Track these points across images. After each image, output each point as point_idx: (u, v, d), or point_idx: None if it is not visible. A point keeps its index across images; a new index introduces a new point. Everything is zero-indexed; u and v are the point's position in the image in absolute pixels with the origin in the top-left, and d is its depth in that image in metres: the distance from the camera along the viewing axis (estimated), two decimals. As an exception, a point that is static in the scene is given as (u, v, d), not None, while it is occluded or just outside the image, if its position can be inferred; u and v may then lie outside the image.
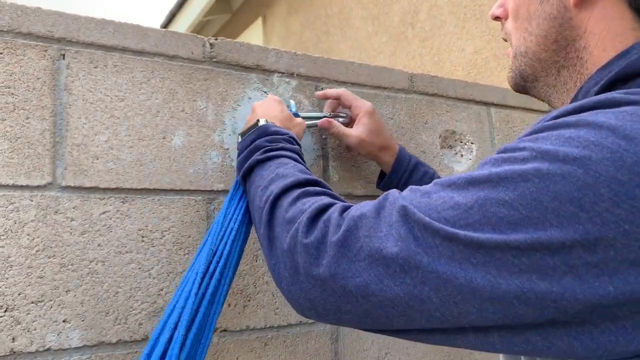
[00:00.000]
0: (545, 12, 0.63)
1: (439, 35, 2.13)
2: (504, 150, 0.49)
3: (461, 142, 1.23)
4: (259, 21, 3.71)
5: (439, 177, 0.95)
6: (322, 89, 1.03)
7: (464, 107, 1.23)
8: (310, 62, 1.03)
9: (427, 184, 0.92)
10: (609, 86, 0.54)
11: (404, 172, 0.98)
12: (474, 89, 1.25)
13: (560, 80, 0.64)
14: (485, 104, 1.27)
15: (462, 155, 1.22)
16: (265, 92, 0.97)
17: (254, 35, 3.79)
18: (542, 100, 0.69)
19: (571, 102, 0.60)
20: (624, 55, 0.56)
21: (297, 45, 3.19)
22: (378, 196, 1.05)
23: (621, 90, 0.51)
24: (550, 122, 0.48)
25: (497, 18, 0.71)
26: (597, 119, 0.45)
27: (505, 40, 0.70)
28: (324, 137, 1.02)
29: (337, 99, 0.99)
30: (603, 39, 0.59)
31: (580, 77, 0.61)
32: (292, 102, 0.96)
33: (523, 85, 0.68)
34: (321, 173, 1.00)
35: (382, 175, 1.02)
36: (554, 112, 0.50)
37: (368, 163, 1.05)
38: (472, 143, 1.23)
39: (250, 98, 0.96)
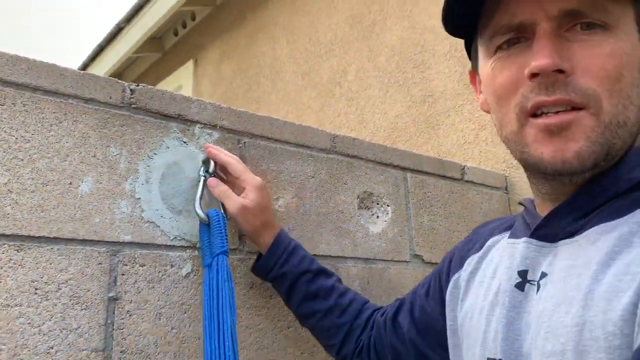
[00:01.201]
0: (638, 89, 0.56)
1: (364, 96, 2.21)
2: None
3: (378, 203, 1.25)
4: (190, 63, 3.70)
5: (316, 263, 0.93)
6: (244, 143, 1.03)
7: (382, 170, 1.27)
8: (234, 115, 1.03)
9: (306, 268, 0.92)
10: None
11: (282, 253, 0.92)
12: (392, 154, 1.29)
13: (617, 159, 0.58)
14: (402, 168, 1.31)
15: (378, 217, 1.25)
16: (185, 143, 0.96)
17: (184, 76, 3.76)
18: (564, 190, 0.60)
19: (597, 183, 0.58)
20: None
21: (227, 91, 3.20)
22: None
23: None
24: None
25: (558, 71, 0.55)
26: None
27: (562, 104, 0.55)
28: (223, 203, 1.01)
29: (224, 166, 0.93)
30: None
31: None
32: (212, 162, 0.95)
33: (598, 163, 0.56)
34: (238, 229, 0.98)
35: (258, 257, 0.95)
36: None
37: (287, 220, 1.05)
38: (388, 205, 1.26)
39: (168, 147, 0.94)
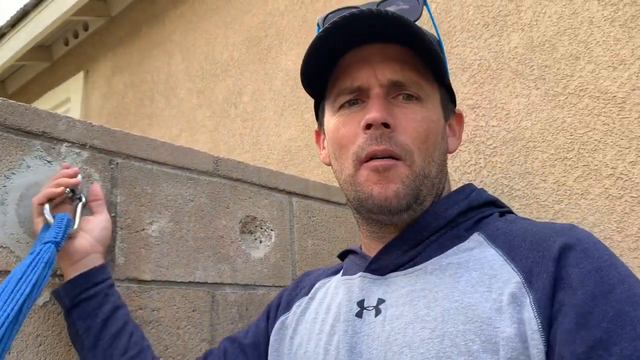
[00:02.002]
0: (442, 147, 0.74)
1: (259, 118, 2.21)
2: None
3: (261, 228, 1.24)
4: (81, 75, 3.51)
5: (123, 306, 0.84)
6: (117, 164, 0.98)
7: (267, 194, 1.26)
8: (107, 134, 0.98)
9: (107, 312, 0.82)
10: (466, 210, 0.72)
11: (107, 279, 0.85)
12: (279, 178, 1.29)
13: (425, 205, 0.72)
14: (288, 193, 1.32)
15: (260, 242, 1.24)
16: (50, 162, 0.89)
17: (73, 88, 3.56)
18: (398, 222, 0.72)
19: (418, 223, 0.71)
20: (463, 192, 0.75)
21: (119, 106, 3.06)
22: (167, 281, 1.01)
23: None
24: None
25: (385, 125, 0.68)
26: None
27: (384, 154, 0.68)
28: (112, 214, 0.95)
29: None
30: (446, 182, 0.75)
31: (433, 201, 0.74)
32: (79, 175, 0.90)
33: (410, 205, 0.69)
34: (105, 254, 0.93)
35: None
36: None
37: (159, 245, 1.01)
38: (272, 230, 1.25)
39: (29, 166, 0.87)
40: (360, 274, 0.74)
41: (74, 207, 0.88)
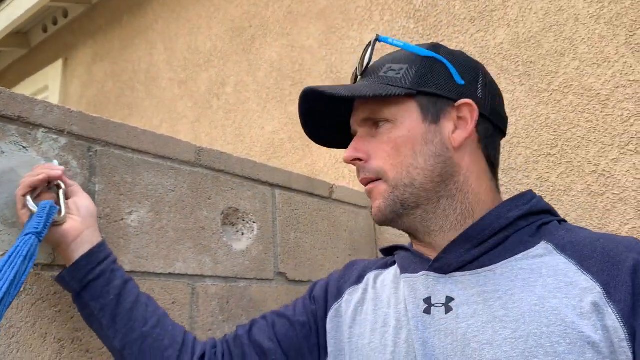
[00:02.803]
0: (430, 151, 0.77)
1: (242, 110, 2.18)
2: None
3: (243, 220, 1.23)
4: (60, 62, 3.43)
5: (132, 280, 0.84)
6: (96, 151, 0.95)
7: (250, 186, 1.24)
8: (86, 120, 0.95)
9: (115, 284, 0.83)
10: (527, 215, 0.75)
11: (108, 257, 0.84)
12: (261, 170, 1.28)
13: (440, 208, 0.77)
14: (271, 185, 1.30)
15: (242, 234, 1.22)
16: (25, 148, 0.86)
17: (51, 76, 3.48)
18: (411, 228, 0.79)
19: (481, 221, 0.76)
20: (524, 197, 0.79)
21: (99, 95, 3.01)
22: (146, 272, 0.99)
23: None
24: None
25: (354, 160, 0.80)
26: None
27: (365, 180, 0.79)
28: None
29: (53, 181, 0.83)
30: (477, 178, 0.79)
31: (462, 205, 0.78)
32: (55, 161, 0.87)
33: (400, 213, 0.78)
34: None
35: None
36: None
37: (139, 236, 0.99)
38: (254, 222, 1.23)
39: (4, 152, 0.84)
40: (423, 272, 0.78)
41: (57, 195, 0.85)
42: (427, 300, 0.75)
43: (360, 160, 0.79)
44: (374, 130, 0.80)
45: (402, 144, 0.77)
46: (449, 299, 0.74)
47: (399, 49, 0.83)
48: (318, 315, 0.91)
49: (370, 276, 0.90)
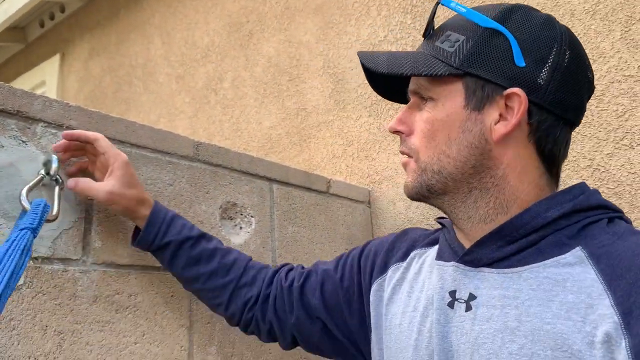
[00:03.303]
0: (467, 141, 0.71)
1: (239, 105, 2.19)
2: None
3: (241, 214, 1.23)
4: (57, 58, 3.43)
5: (196, 228, 0.97)
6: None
7: (248, 180, 1.25)
8: (84, 115, 0.96)
9: (187, 235, 0.95)
10: (570, 213, 0.68)
11: (160, 224, 0.93)
12: (259, 164, 1.28)
13: (470, 199, 0.73)
14: (269, 179, 1.31)
15: (241, 228, 1.23)
16: (25, 142, 0.87)
17: (48, 72, 3.47)
18: (441, 208, 0.77)
19: (516, 219, 0.70)
20: (570, 192, 0.71)
21: (96, 90, 3.01)
22: (144, 266, 0.99)
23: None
24: None
25: (396, 132, 0.78)
26: None
27: (403, 153, 0.78)
28: (89, 198, 0.93)
29: (89, 143, 0.91)
30: (520, 173, 0.71)
31: (497, 200, 0.72)
32: (54, 156, 0.87)
33: (425, 195, 0.76)
34: (81, 238, 0.91)
35: (136, 231, 0.96)
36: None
37: (138, 230, 0.99)
38: (252, 216, 1.24)
39: (3, 146, 0.84)
40: (453, 263, 0.75)
41: (52, 191, 0.86)
42: (452, 294, 0.73)
43: (402, 133, 0.78)
44: (422, 103, 0.76)
45: (439, 128, 0.73)
46: (472, 297, 0.71)
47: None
48: (363, 285, 0.91)
49: (415, 255, 0.87)
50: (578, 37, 1.28)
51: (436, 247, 0.83)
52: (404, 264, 0.87)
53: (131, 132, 1.02)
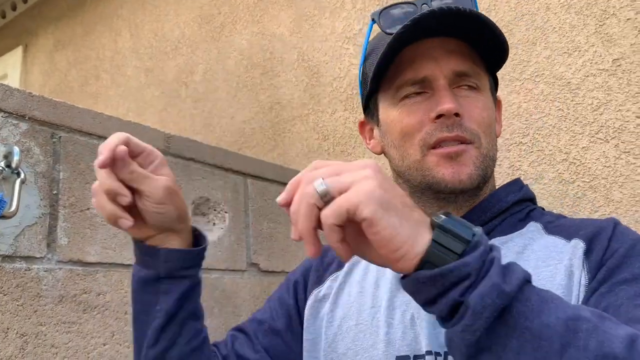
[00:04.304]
0: (496, 133, 0.78)
1: (211, 99, 2.14)
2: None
3: (215, 210, 1.20)
4: (19, 50, 3.31)
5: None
6: (59, 137, 0.91)
7: (222, 175, 1.21)
8: (49, 105, 0.91)
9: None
10: (520, 201, 0.77)
11: (204, 250, 0.78)
12: (233, 159, 1.25)
13: (486, 188, 0.77)
14: (243, 174, 1.27)
15: (214, 224, 1.19)
16: (-17, 133, 0.82)
17: (11, 64, 3.35)
18: (463, 205, 0.76)
19: (485, 201, 0.76)
20: (516, 184, 0.80)
21: (61, 84, 2.91)
22: (114, 264, 0.95)
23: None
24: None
25: (456, 114, 0.72)
26: None
27: (457, 139, 0.72)
28: (54, 192, 0.89)
29: (126, 145, 0.66)
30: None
31: (490, 187, 0.78)
32: (16, 148, 0.82)
33: (479, 186, 0.74)
34: (45, 234, 0.86)
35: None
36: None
37: (106, 226, 0.95)
38: (225, 212, 1.21)
39: (-41, 137, 0.79)
40: None
41: (12, 185, 0.81)
42: None
43: (459, 115, 0.72)
44: (461, 90, 0.74)
45: (491, 116, 0.76)
46: None
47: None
48: (299, 306, 0.85)
49: (354, 260, 0.84)
50: (553, 31, 1.29)
51: None
52: (342, 272, 0.84)
53: (99, 124, 0.97)
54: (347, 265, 0.85)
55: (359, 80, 0.88)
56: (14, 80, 3.28)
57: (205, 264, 1.11)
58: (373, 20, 0.80)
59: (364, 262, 0.84)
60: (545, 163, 1.25)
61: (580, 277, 0.66)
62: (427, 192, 0.76)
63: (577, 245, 0.69)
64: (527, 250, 0.72)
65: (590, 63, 1.22)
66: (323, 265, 0.88)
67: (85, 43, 2.82)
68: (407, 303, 0.74)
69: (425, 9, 0.72)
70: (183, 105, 2.25)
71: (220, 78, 2.12)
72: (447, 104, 0.71)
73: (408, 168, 0.76)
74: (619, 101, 1.17)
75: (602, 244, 0.67)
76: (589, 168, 1.19)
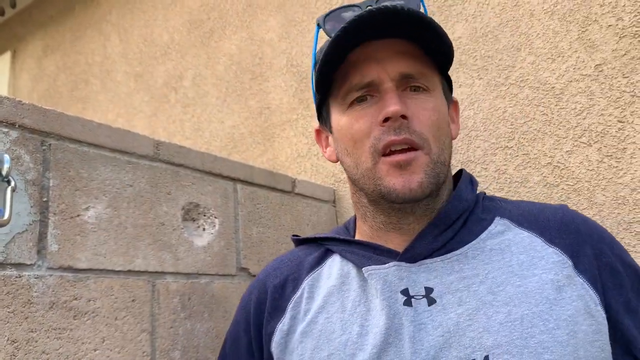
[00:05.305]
0: (449, 134, 0.76)
1: (201, 104, 2.15)
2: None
3: (204, 215, 1.20)
4: (7, 55, 3.29)
5: None
6: (49, 145, 0.91)
7: (211, 180, 1.22)
8: (39, 113, 0.91)
9: None
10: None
11: None
12: (223, 164, 1.26)
13: (443, 191, 0.76)
14: (233, 179, 1.28)
15: (204, 229, 1.20)
16: (-27, 142, 0.82)
17: (-2, 69, 3.34)
18: (410, 211, 0.74)
19: (450, 205, 0.75)
20: (465, 177, 0.80)
21: (50, 89, 2.90)
22: (104, 270, 0.96)
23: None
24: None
25: (403, 116, 0.70)
26: None
27: (405, 142, 0.69)
28: (44, 199, 0.89)
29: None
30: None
31: (447, 190, 0.77)
32: (6, 156, 0.83)
33: (431, 193, 0.72)
34: (36, 241, 0.87)
35: None
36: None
37: (96, 232, 0.95)
38: (215, 217, 1.22)
39: (-51, 146, 0.80)
40: (394, 263, 0.72)
41: (3, 193, 0.81)
42: (405, 292, 0.70)
43: (406, 118, 0.70)
44: (409, 92, 0.72)
45: (442, 118, 0.73)
46: (429, 290, 0.69)
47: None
48: (261, 346, 0.81)
49: (308, 281, 0.80)
50: (537, 37, 1.31)
51: (328, 266, 0.80)
52: (305, 295, 0.79)
53: (88, 131, 0.98)
54: (301, 290, 0.80)
55: (312, 89, 0.85)
56: (2, 86, 3.26)
57: (195, 268, 1.12)
58: (318, 26, 0.79)
59: (322, 282, 0.79)
60: (530, 167, 1.27)
61: (578, 292, 0.67)
62: (382, 202, 0.74)
63: (564, 261, 0.69)
64: (507, 256, 0.71)
65: (574, 68, 1.25)
66: (275, 294, 0.82)
67: (74, 48, 2.81)
68: (380, 324, 0.69)
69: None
70: (172, 111, 2.25)
71: (210, 83, 2.13)
72: (392, 107, 0.69)
73: (362, 176, 0.74)
74: (601, 106, 1.20)
75: (590, 257, 0.70)
76: (573, 171, 1.21)
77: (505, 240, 0.72)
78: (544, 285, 0.67)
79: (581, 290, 0.67)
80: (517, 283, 0.68)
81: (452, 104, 0.82)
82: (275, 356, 0.78)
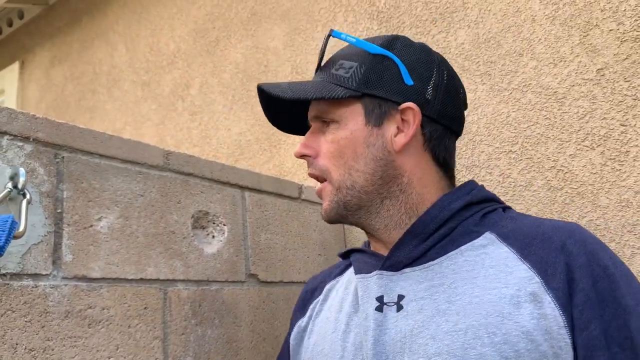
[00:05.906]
0: (372, 154, 0.78)
1: (208, 112, 2.17)
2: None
3: (214, 223, 1.23)
4: (16, 66, 3.34)
5: None
6: (62, 157, 0.94)
7: (220, 188, 1.24)
8: (51, 126, 0.94)
9: None
10: (469, 204, 0.77)
11: None
12: (231, 172, 1.28)
13: (383, 208, 0.79)
14: (241, 187, 1.30)
15: (213, 237, 1.22)
16: (-11, 156, 0.85)
17: (8, 80, 3.38)
18: (359, 225, 0.82)
19: (425, 215, 0.78)
20: (465, 187, 0.81)
21: (58, 99, 2.94)
22: (117, 279, 0.98)
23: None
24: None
25: (303, 156, 0.82)
26: None
27: (312, 176, 0.82)
28: (59, 210, 0.92)
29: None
30: (421, 178, 0.80)
31: (406, 205, 0.79)
32: (21, 169, 0.85)
33: (343, 214, 0.80)
34: (51, 252, 0.89)
35: None
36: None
37: (109, 242, 0.98)
38: (224, 225, 1.24)
39: (-33, 161, 0.82)
40: (376, 272, 0.78)
41: (19, 206, 0.84)
42: (380, 299, 0.76)
43: (309, 156, 0.83)
44: (324, 127, 0.83)
45: (345, 145, 0.79)
46: (400, 297, 0.74)
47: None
48: (288, 338, 0.95)
49: (330, 287, 0.93)
50: (539, 42, 1.33)
51: (348, 272, 0.90)
52: (321, 298, 0.92)
53: (100, 143, 1.01)
54: (323, 292, 0.91)
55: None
56: (11, 96, 3.31)
57: (205, 275, 1.14)
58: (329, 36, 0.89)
59: (336, 287, 0.90)
60: (534, 170, 1.29)
61: (556, 318, 0.65)
62: None
63: (531, 277, 0.67)
64: (477, 267, 0.72)
65: (576, 73, 1.26)
66: (307, 295, 0.96)
67: (82, 58, 2.85)
68: (359, 325, 0.77)
69: (274, 90, 0.83)
70: (180, 119, 2.28)
71: (216, 91, 2.15)
72: (296, 149, 0.83)
73: None
74: (603, 109, 1.21)
75: (564, 280, 0.66)
76: (576, 175, 1.22)
77: (482, 253, 0.73)
78: (501, 299, 0.67)
79: (547, 309, 0.65)
80: (476, 294, 0.69)
81: (394, 113, 0.80)
82: (292, 348, 0.92)
